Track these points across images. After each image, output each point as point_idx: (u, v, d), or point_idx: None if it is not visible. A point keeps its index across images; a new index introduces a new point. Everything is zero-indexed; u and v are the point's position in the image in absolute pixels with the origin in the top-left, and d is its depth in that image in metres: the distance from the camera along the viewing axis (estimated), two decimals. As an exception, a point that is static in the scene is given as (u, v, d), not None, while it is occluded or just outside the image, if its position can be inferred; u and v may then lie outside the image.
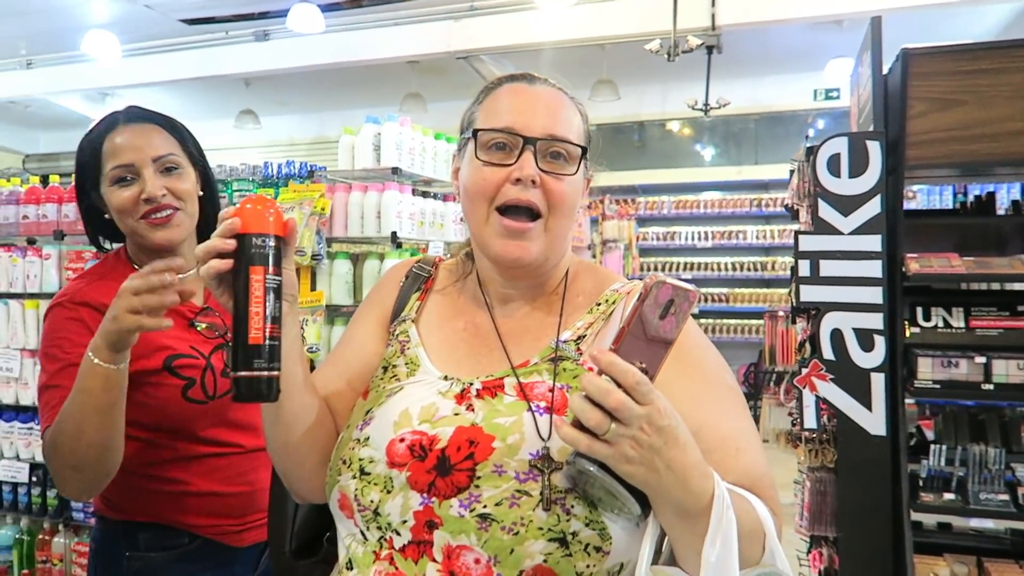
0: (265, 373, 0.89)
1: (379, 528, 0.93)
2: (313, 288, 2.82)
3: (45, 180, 3.27)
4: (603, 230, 7.73)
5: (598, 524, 0.87)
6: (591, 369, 0.79)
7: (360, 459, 0.95)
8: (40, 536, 3.14)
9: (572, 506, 0.87)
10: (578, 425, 0.78)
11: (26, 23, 7.17)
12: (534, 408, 0.93)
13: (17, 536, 3.19)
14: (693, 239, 8.77)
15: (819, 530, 2.58)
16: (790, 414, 3.44)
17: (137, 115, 1.50)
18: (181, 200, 1.48)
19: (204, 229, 1.57)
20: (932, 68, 2.38)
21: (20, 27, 7.29)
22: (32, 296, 2.98)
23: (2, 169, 3.65)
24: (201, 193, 1.55)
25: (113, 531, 1.51)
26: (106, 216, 1.52)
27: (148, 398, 1.43)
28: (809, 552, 2.67)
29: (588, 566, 0.86)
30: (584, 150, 1.02)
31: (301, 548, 1.12)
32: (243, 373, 0.88)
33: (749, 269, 8.58)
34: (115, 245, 1.61)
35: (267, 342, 0.89)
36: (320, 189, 2.98)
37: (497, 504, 0.87)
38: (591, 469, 0.80)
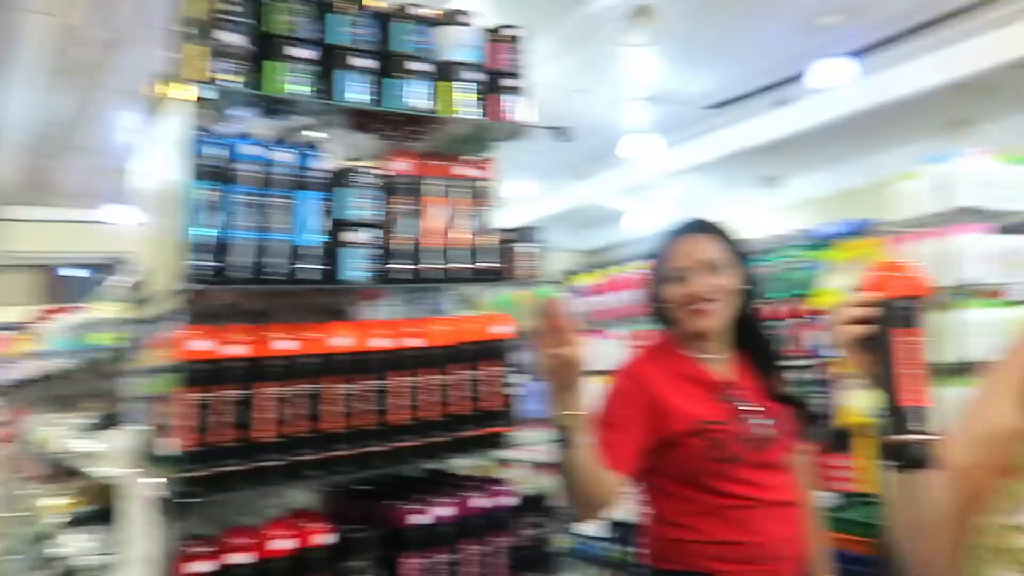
0: (923, 437, 0.87)
1: None
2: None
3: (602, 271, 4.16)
4: None
5: None
6: None
7: (1020, 549, 0.88)
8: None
9: None
10: None
11: (581, 142, 7.08)
12: None
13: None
14: None
15: None
16: None
17: (692, 227, 1.83)
18: (720, 295, 1.76)
19: (744, 320, 1.85)
20: None
21: (577, 147, 7.64)
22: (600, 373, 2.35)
23: (570, 266, 4.65)
24: (744, 287, 1.81)
25: None
26: (662, 306, 1.82)
27: (678, 456, 1.71)
28: None
29: None
30: None
31: None
32: (903, 438, 0.87)
33: None
34: None
35: (920, 406, 0.88)
36: (875, 243, 2.95)
37: None
38: None
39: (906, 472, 0.88)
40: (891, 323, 0.88)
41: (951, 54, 6.47)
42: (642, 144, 8.10)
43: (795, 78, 7.15)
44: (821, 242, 3.27)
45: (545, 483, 1.85)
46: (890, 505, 1.00)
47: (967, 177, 2.88)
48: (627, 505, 3.48)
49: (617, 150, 8.34)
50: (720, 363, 1.83)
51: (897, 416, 0.87)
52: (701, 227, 1.85)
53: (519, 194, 10.68)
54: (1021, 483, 0.92)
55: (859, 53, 6.79)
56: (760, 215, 10.05)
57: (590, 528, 3.57)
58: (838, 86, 6.73)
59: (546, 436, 1.54)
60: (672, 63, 7.01)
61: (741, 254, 1.85)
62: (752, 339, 1.87)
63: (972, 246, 2.79)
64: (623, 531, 3.42)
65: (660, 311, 1.88)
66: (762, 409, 1.78)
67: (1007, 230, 2.95)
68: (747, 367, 1.85)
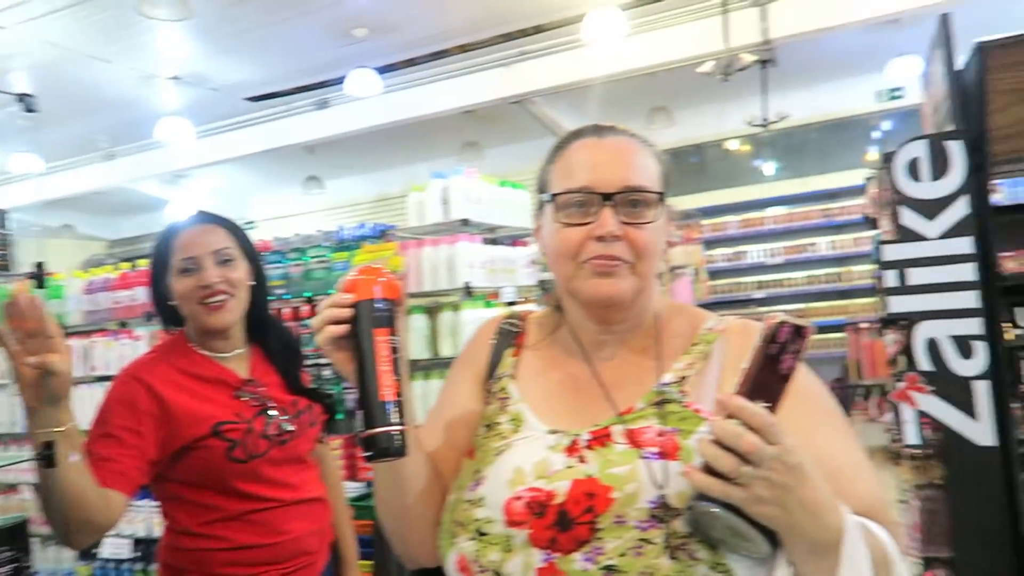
0: (397, 429, 0.90)
1: None
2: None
3: (129, 263, 3.99)
4: (670, 257, 7.32)
5: (723, 567, 0.87)
6: (717, 413, 0.81)
7: (476, 520, 0.96)
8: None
9: (696, 550, 0.87)
10: (708, 470, 0.80)
11: (106, 118, 7.58)
12: (647, 455, 0.93)
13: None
14: (762, 256, 8.54)
15: (933, 551, 2.44)
16: (888, 430, 2.99)
17: (202, 218, 1.78)
18: (233, 287, 1.72)
19: (256, 315, 1.82)
20: (1011, 59, 2.35)
21: (100, 122, 7.78)
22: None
23: (90, 256, 4.89)
24: (253, 283, 1.78)
25: None
26: (170, 303, 1.74)
27: (198, 460, 1.64)
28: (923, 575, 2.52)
29: None
30: (662, 195, 1.02)
31: None
32: (378, 430, 0.89)
33: (824, 282, 8.30)
34: None
35: (396, 399, 0.90)
36: (392, 248, 3.12)
37: (622, 555, 0.88)
38: (718, 511, 0.81)
39: (381, 461, 0.91)
40: (366, 323, 0.92)
41: (463, 83, 7.18)
42: (177, 128, 7.57)
43: (337, 82, 7.33)
44: (347, 244, 3.46)
45: (27, 509, 1.61)
46: (376, 491, 1.05)
47: (462, 193, 3.30)
48: (148, 520, 3.27)
49: (152, 132, 7.66)
50: (236, 360, 1.78)
51: (372, 410, 0.90)
52: (210, 219, 1.80)
53: (20, 170, 9.03)
54: (479, 462, 1.01)
55: (390, 69, 7.15)
56: (304, 214, 10.26)
57: (112, 550, 3.32)
58: (372, 96, 6.96)
59: (28, 455, 1.33)
60: (206, 47, 6.64)
61: (251, 248, 1.83)
62: (268, 334, 1.87)
63: (467, 254, 3.19)
64: (147, 548, 3.25)
65: (168, 308, 1.77)
66: (284, 405, 1.78)
67: (491, 241, 3.45)
68: (266, 363, 1.84)
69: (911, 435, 2.35)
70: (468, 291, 3.14)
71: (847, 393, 7.00)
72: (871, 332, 6.41)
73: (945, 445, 2.30)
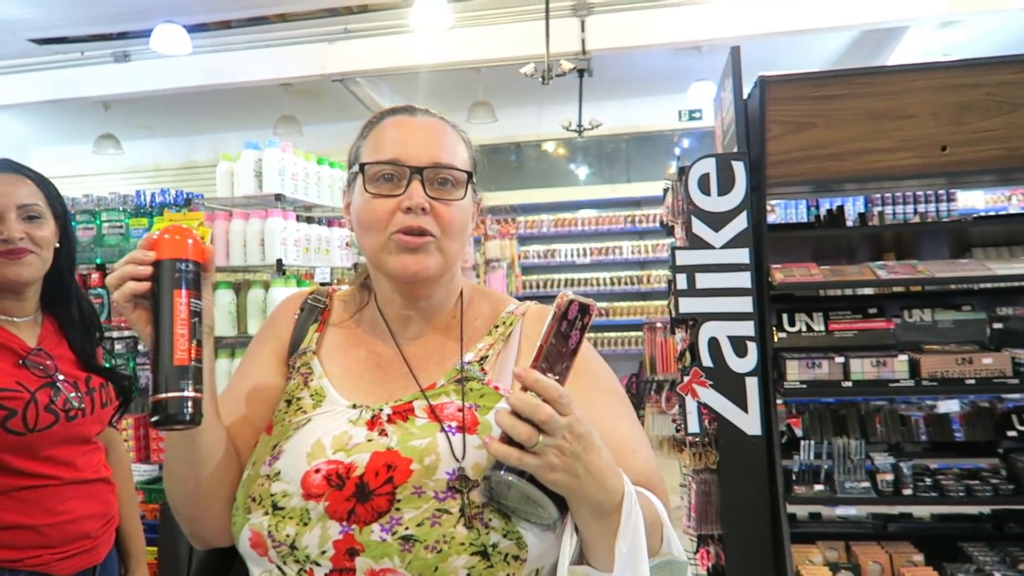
0: (191, 394, 0.87)
1: (297, 562, 0.92)
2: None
3: None
4: (486, 250, 7.71)
5: (514, 534, 0.91)
6: (515, 387, 0.85)
7: (272, 494, 0.95)
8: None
9: (490, 519, 0.91)
10: (506, 440, 0.83)
11: None
12: (446, 428, 0.96)
13: None
14: (572, 256, 8.96)
15: (706, 529, 2.67)
16: (673, 420, 3.12)
17: (8, 166, 1.67)
18: (37, 246, 1.63)
19: (57, 280, 1.73)
20: (785, 94, 2.57)
21: None
22: None
23: None
24: (58, 245, 1.69)
25: None
26: None
27: None
28: (697, 551, 2.79)
29: (507, 575, 0.91)
30: (470, 175, 1.05)
31: None
32: (170, 395, 0.85)
33: (626, 283, 8.80)
34: None
35: (192, 364, 0.88)
36: (199, 217, 2.88)
37: (419, 525, 0.90)
38: (512, 480, 0.84)
39: (169, 428, 0.88)
40: (166, 282, 0.89)
41: (282, 54, 6.95)
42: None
43: (141, 35, 6.60)
44: (147, 210, 3.22)
45: None
46: (167, 466, 1.00)
47: (277, 167, 3.16)
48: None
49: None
50: (26, 327, 1.68)
51: (164, 374, 0.86)
52: (17, 168, 1.69)
53: None
54: (278, 436, 1.00)
55: (202, 28, 6.69)
56: (96, 175, 9.33)
57: None
58: (180, 55, 6.43)
59: None
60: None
61: (61, 206, 1.73)
62: (69, 303, 1.76)
63: (280, 230, 3.08)
64: None
65: None
66: (75, 380, 1.68)
67: (306, 219, 3.35)
68: (58, 334, 1.73)
69: (692, 424, 2.58)
70: (280, 268, 3.02)
71: (642, 387, 7.41)
72: (664, 331, 6.95)
73: (720, 434, 2.54)
